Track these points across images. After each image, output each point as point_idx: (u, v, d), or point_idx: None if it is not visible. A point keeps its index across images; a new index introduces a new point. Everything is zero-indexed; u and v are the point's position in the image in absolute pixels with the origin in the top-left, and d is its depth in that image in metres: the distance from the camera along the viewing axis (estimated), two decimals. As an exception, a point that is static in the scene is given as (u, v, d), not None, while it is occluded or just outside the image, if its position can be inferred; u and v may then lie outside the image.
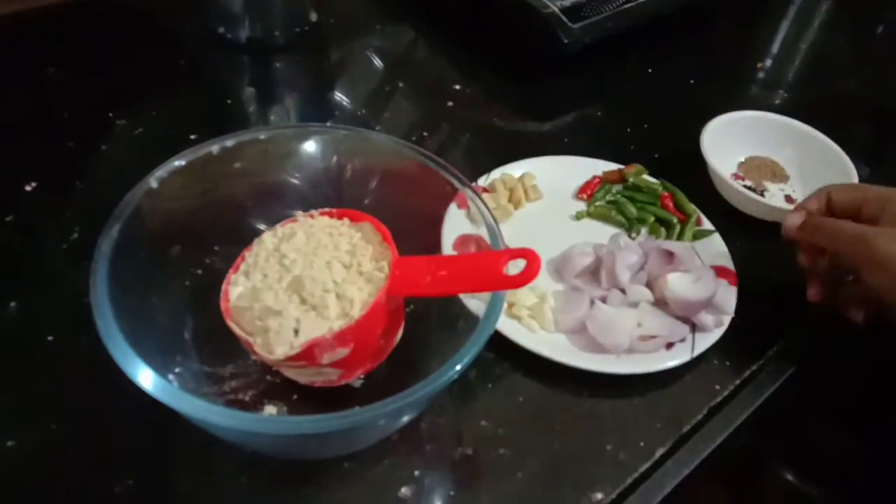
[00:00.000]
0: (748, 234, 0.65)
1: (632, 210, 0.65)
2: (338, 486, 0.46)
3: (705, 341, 0.54)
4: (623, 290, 0.57)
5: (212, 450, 0.44)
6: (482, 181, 0.65)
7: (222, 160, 0.50)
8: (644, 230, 0.65)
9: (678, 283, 0.55)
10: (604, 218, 0.66)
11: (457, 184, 0.50)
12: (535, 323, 0.55)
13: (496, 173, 0.66)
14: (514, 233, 0.62)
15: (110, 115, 0.69)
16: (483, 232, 0.48)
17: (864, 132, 0.83)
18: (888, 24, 1.09)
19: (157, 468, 0.45)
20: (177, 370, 0.44)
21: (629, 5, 0.82)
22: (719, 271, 0.58)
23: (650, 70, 0.88)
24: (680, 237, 0.63)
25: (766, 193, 0.71)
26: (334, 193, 0.55)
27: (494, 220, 0.47)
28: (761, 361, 0.56)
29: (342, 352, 0.41)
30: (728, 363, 0.56)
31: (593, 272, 0.59)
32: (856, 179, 0.67)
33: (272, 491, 0.45)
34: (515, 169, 0.67)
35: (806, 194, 0.71)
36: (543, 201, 0.66)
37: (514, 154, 0.68)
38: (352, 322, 0.41)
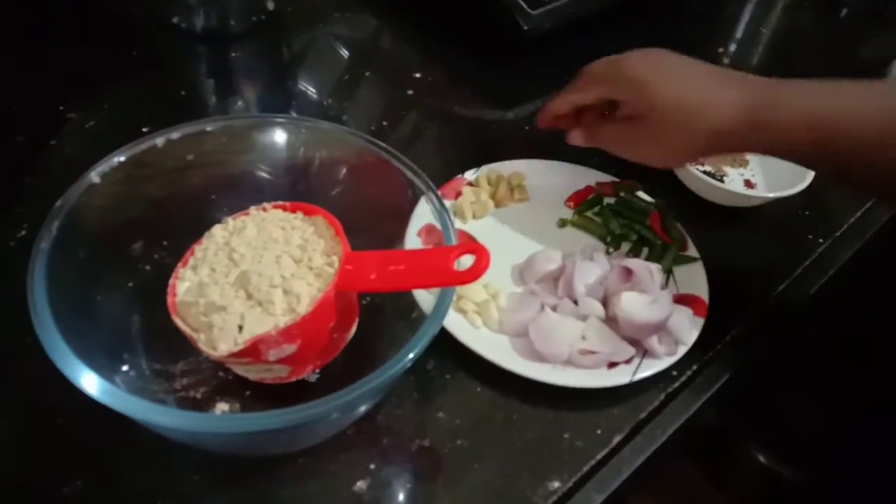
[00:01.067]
0: (708, 219, 0.65)
1: (615, 225, 0.63)
2: (293, 482, 0.45)
3: (650, 368, 0.52)
4: (576, 302, 0.55)
5: (163, 448, 0.43)
6: (469, 175, 0.64)
7: (171, 153, 0.49)
8: (624, 247, 0.62)
9: (630, 303, 0.53)
10: (586, 229, 0.63)
11: (410, 175, 0.49)
12: (479, 319, 0.54)
13: (485, 168, 0.65)
14: (490, 230, 0.62)
15: (61, 108, 0.67)
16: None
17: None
18: (851, 6, 1.09)
19: (107, 468, 0.45)
20: (124, 369, 0.44)
21: (590, -9, 0.82)
22: (691, 300, 0.56)
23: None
24: (660, 259, 0.60)
25: (725, 178, 0.71)
26: (289, 186, 0.54)
27: (448, 214, 0.47)
28: (718, 347, 0.56)
29: (289, 348, 0.41)
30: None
31: (555, 279, 0.57)
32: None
33: (226, 489, 0.45)
34: (507, 167, 0.65)
35: (766, 178, 0.72)
36: (529, 203, 0.64)
37: (475, 143, 0.67)
38: (298, 318, 0.41)
